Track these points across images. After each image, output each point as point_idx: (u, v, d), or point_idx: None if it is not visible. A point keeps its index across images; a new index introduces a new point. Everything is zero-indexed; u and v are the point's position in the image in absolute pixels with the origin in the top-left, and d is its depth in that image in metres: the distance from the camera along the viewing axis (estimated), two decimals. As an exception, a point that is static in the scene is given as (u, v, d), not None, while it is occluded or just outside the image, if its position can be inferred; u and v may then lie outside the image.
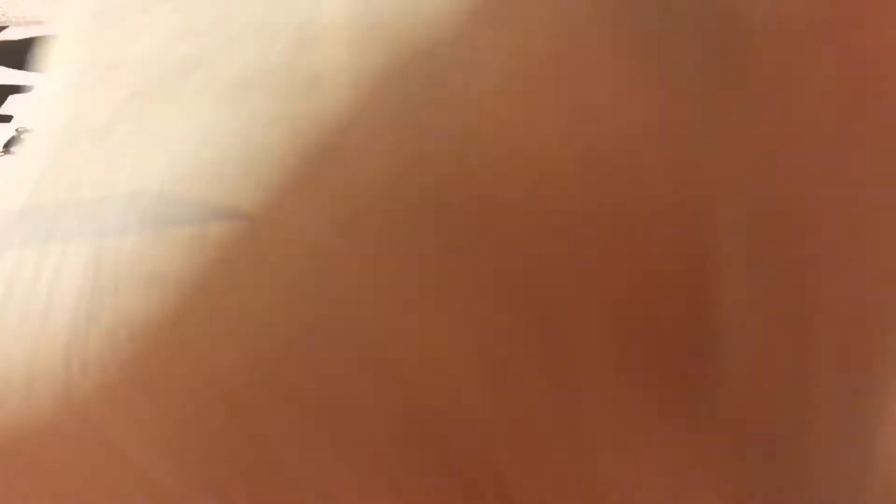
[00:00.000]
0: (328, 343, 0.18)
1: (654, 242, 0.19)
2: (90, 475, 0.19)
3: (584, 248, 0.18)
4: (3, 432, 0.18)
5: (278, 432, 0.18)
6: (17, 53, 0.78)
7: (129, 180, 0.20)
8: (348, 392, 0.18)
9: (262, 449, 0.18)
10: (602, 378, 0.18)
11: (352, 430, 0.18)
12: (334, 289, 0.18)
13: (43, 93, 0.23)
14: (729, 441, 0.19)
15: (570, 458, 0.19)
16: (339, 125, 0.19)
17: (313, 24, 0.21)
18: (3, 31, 0.81)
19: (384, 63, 0.19)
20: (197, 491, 0.18)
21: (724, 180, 0.19)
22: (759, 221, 0.19)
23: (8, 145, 0.67)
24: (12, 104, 0.72)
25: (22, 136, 0.68)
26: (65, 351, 0.18)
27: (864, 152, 0.20)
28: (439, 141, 0.19)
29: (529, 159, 0.18)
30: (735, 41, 0.19)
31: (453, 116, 0.19)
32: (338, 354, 0.18)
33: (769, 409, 0.19)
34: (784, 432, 0.20)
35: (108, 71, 0.22)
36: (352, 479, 0.18)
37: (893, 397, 0.20)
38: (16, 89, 0.73)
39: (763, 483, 0.19)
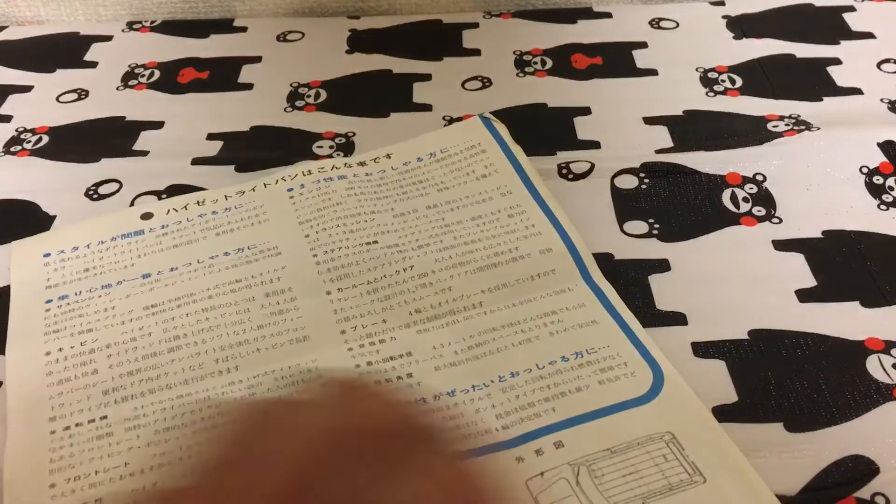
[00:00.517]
0: None
1: None
2: None
3: None
4: None
5: None
6: (17, 53, 0.78)
7: None
8: None
9: None
10: None
11: None
12: None
13: None
14: None
15: None
16: None
17: None
18: (3, 31, 0.81)
19: None
20: None
21: None
22: None
23: (8, 145, 0.67)
24: (12, 104, 0.72)
25: (22, 136, 0.67)
26: None
27: None
28: None
29: None
30: None
31: None
32: None
33: None
34: None
35: None
36: None
37: None
38: (16, 89, 0.73)
39: None
